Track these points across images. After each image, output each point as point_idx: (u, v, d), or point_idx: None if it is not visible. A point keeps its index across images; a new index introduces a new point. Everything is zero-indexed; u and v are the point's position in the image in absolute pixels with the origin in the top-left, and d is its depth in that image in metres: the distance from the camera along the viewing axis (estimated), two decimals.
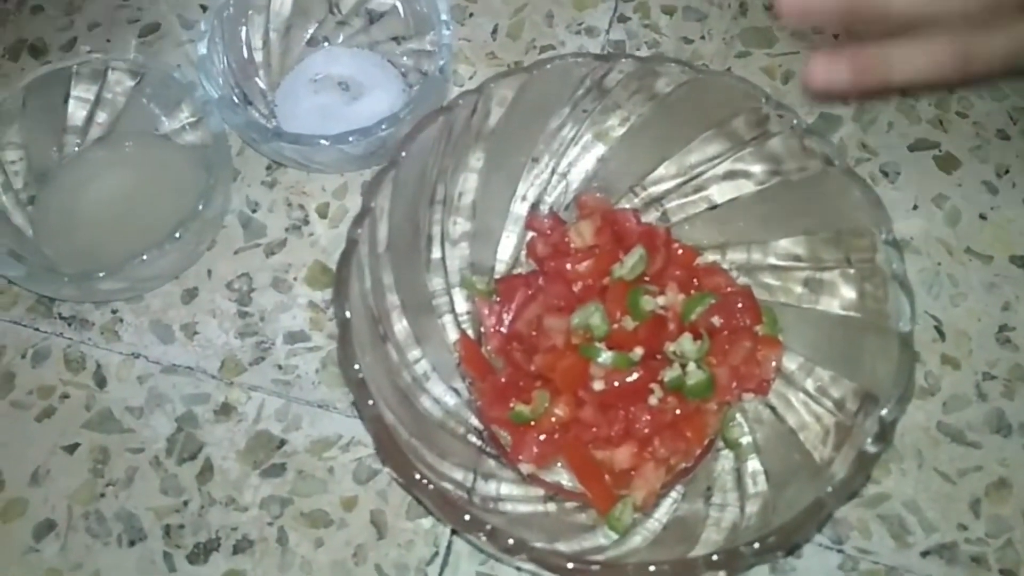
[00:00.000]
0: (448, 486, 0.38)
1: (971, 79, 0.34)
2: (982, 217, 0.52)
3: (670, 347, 0.43)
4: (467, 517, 0.34)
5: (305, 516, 0.44)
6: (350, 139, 0.47)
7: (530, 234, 0.48)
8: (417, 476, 0.35)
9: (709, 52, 0.57)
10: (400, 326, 0.43)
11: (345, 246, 0.39)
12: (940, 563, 0.43)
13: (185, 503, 0.45)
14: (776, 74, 0.56)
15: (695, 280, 0.46)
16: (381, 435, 0.36)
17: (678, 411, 0.42)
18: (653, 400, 0.42)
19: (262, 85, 0.54)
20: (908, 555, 0.43)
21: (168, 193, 0.50)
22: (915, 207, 0.52)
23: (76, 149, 0.52)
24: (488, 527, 0.34)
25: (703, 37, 0.58)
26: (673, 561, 0.33)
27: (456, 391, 0.45)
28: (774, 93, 0.46)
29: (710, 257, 0.48)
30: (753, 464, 0.42)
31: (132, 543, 0.44)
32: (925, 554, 0.43)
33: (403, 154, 0.41)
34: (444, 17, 0.50)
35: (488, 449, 0.44)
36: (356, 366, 0.36)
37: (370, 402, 0.36)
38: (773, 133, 0.44)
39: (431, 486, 0.35)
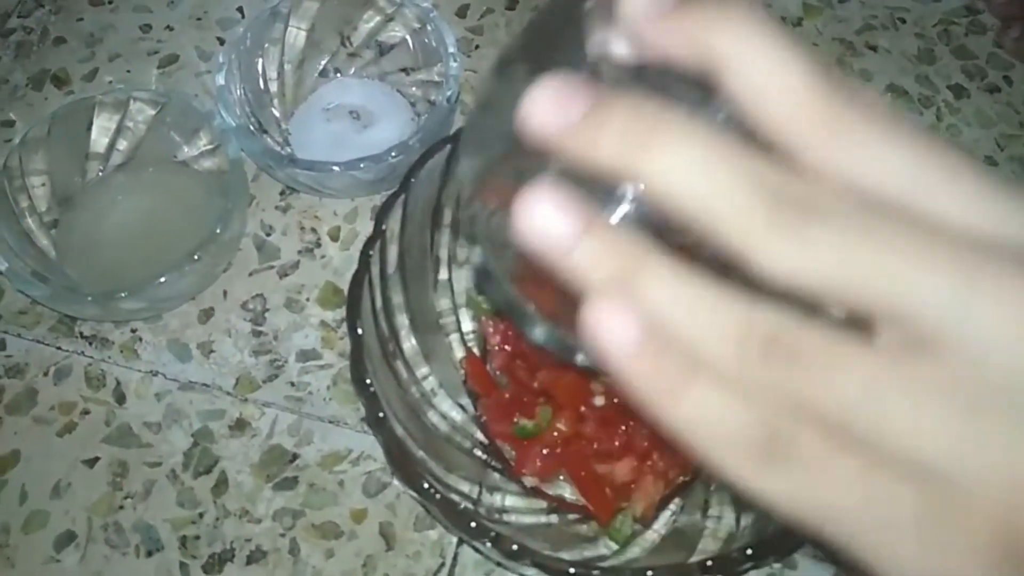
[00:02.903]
0: (455, 497, 0.40)
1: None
2: None
3: None
4: (473, 524, 0.36)
5: (316, 528, 0.46)
6: (361, 165, 0.49)
7: None
8: (425, 485, 0.36)
9: None
10: (409, 344, 0.45)
11: (357, 267, 0.41)
12: None
13: (201, 515, 0.46)
14: None
15: None
16: (391, 446, 0.37)
17: None
18: None
19: (277, 114, 0.56)
20: None
21: (186, 217, 0.52)
22: None
23: (99, 175, 0.54)
24: (493, 534, 0.35)
25: None
26: (669, 566, 0.35)
27: (462, 407, 0.46)
28: None
29: None
30: None
31: (149, 553, 0.45)
32: None
33: (413, 180, 0.43)
34: (452, 50, 0.52)
35: (493, 463, 0.45)
36: (368, 380, 0.38)
37: (380, 414, 0.38)
38: None
39: (438, 495, 0.36)
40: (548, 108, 0.19)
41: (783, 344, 0.17)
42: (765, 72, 0.18)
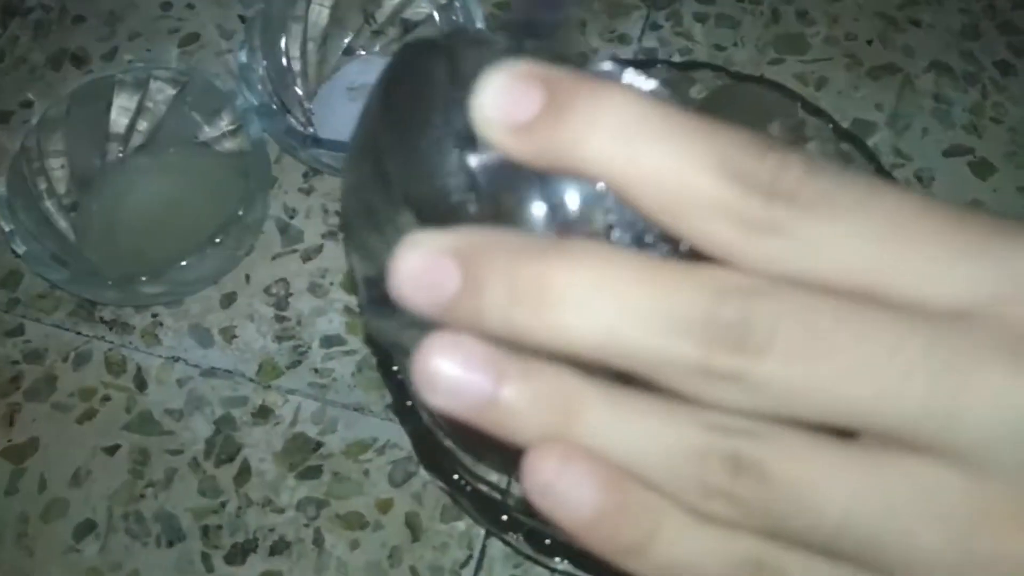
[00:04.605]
0: (483, 488, 0.38)
1: None
2: None
3: None
4: (504, 518, 0.34)
5: (341, 518, 0.45)
6: None
7: None
8: (455, 477, 0.35)
9: (742, 59, 0.57)
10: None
11: None
12: None
13: (223, 504, 0.45)
14: (809, 80, 0.56)
15: None
16: (419, 435, 0.36)
17: None
18: None
19: (300, 93, 0.55)
20: None
21: (208, 199, 0.51)
22: None
23: (119, 156, 0.53)
24: (526, 528, 0.34)
25: (736, 44, 0.58)
26: None
27: None
28: (808, 98, 0.46)
29: None
30: None
31: (171, 543, 0.44)
32: None
33: None
34: (479, 25, 0.51)
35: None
36: (395, 367, 0.37)
37: (408, 403, 0.36)
38: (808, 138, 0.44)
39: (469, 487, 0.35)
40: (418, 282, 0.16)
41: (747, 462, 0.15)
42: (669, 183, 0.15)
